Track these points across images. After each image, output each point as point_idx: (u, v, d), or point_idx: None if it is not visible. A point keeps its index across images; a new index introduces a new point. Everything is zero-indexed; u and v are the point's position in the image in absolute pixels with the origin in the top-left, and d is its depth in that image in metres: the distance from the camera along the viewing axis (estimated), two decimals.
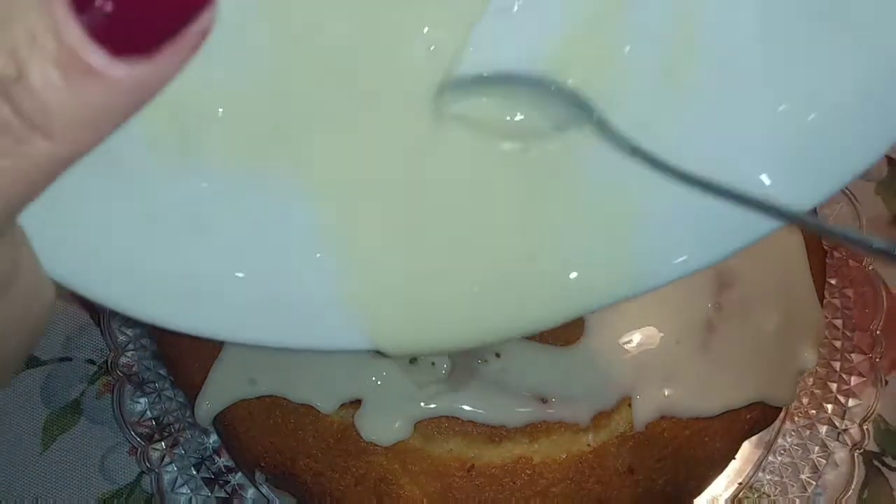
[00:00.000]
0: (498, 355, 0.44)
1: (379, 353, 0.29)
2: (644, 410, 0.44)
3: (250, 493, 0.50)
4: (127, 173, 0.26)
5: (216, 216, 0.28)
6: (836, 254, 0.55)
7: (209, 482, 0.50)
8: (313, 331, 0.28)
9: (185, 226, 0.27)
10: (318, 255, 0.28)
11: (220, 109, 0.27)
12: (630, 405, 0.44)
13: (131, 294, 0.27)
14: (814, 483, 0.50)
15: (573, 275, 0.27)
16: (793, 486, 0.50)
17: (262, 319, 0.28)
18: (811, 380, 0.53)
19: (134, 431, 0.51)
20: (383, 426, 0.43)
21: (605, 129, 0.27)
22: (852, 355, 0.53)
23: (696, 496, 0.47)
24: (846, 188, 0.57)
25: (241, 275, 0.28)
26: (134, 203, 0.27)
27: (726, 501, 0.50)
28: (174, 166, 0.27)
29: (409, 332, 0.28)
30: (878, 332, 0.53)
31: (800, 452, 0.51)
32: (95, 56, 0.16)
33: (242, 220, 0.28)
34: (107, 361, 0.54)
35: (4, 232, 0.20)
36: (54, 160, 0.18)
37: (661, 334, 0.44)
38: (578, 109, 0.27)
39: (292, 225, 0.28)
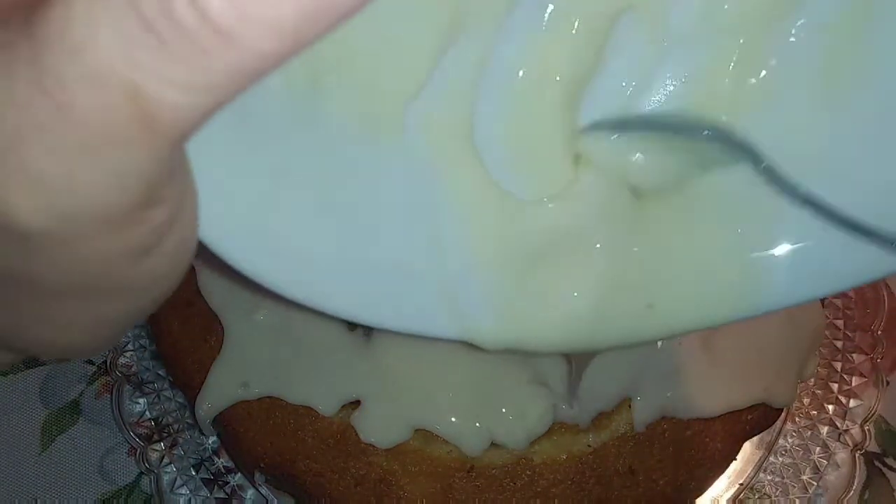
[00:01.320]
0: None
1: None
2: (645, 411, 0.44)
3: (250, 493, 0.50)
4: (259, 125, 0.26)
5: (344, 182, 0.27)
6: None
7: (208, 483, 0.50)
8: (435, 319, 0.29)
9: (314, 191, 0.27)
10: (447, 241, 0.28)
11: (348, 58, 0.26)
12: (630, 406, 0.44)
13: (264, 259, 0.27)
14: (815, 484, 0.50)
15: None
16: (794, 486, 0.50)
17: (382, 299, 0.29)
18: (812, 380, 0.52)
19: (133, 432, 0.51)
20: (382, 428, 0.43)
21: (773, 176, 0.27)
22: (853, 356, 0.53)
23: (696, 497, 0.47)
24: None
25: (364, 249, 0.28)
26: (265, 159, 0.26)
27: (727, 502, 0.50)
28: (303, 116, 0.26)
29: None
30: (879, 333, 0.53)
31: (801, 453, 0.51)
32: None
33: (365, 186, 0.28)
34: (106, 362, 0.54)
35: (178, 160, 0.18)
36: (241, 73, 0.16)
37: None
38: (732, 152, 0.27)
39: (412, 199, 0.28)
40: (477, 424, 0.43)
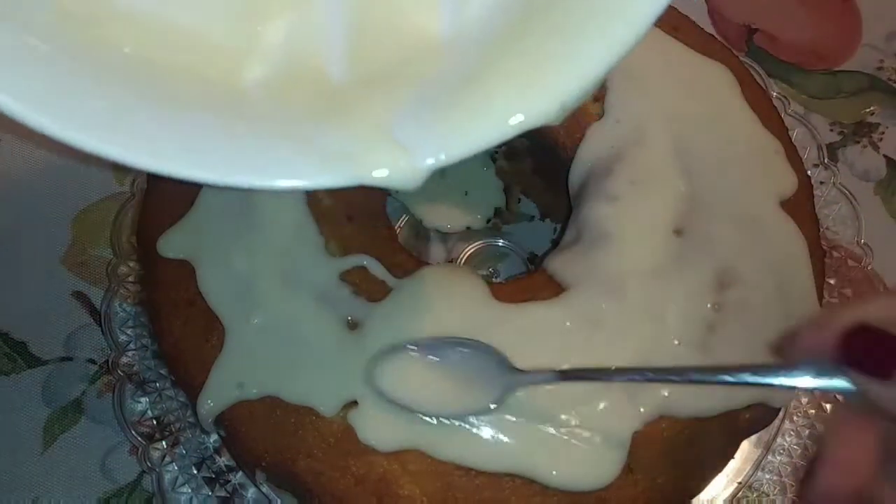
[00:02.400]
0: None
1: None
2: (643, 410, 0.44)
3: (251, 492, 0.50)
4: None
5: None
6: (835, 253, 0.55)
7: (210, 481, 0.50)
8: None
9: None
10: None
11: None
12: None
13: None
14: None
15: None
16: (792, 485, 0.51)
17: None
18: None
19: (135, 431, 0.51)
20: (379, 432, 0.43)
21: None
22: None
23: (695, 496, 0.47)
24: (845, 188, 0.57)
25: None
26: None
27: (725, 501, 0.50)
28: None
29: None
30: None
31: (799, 452, 0.51)
32: None
33: None
34: (108, 361, 0.54)
35: None
36: None
37: (661, 335, 0.44)
38: None
39: None
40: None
